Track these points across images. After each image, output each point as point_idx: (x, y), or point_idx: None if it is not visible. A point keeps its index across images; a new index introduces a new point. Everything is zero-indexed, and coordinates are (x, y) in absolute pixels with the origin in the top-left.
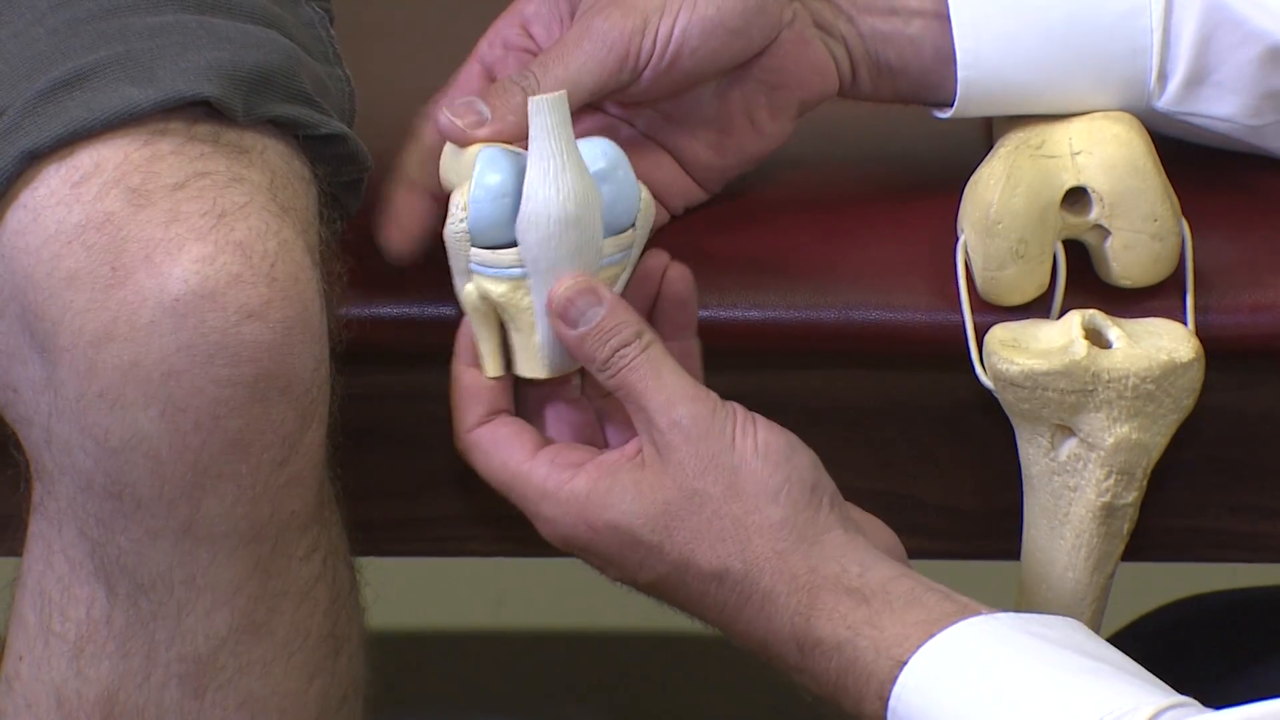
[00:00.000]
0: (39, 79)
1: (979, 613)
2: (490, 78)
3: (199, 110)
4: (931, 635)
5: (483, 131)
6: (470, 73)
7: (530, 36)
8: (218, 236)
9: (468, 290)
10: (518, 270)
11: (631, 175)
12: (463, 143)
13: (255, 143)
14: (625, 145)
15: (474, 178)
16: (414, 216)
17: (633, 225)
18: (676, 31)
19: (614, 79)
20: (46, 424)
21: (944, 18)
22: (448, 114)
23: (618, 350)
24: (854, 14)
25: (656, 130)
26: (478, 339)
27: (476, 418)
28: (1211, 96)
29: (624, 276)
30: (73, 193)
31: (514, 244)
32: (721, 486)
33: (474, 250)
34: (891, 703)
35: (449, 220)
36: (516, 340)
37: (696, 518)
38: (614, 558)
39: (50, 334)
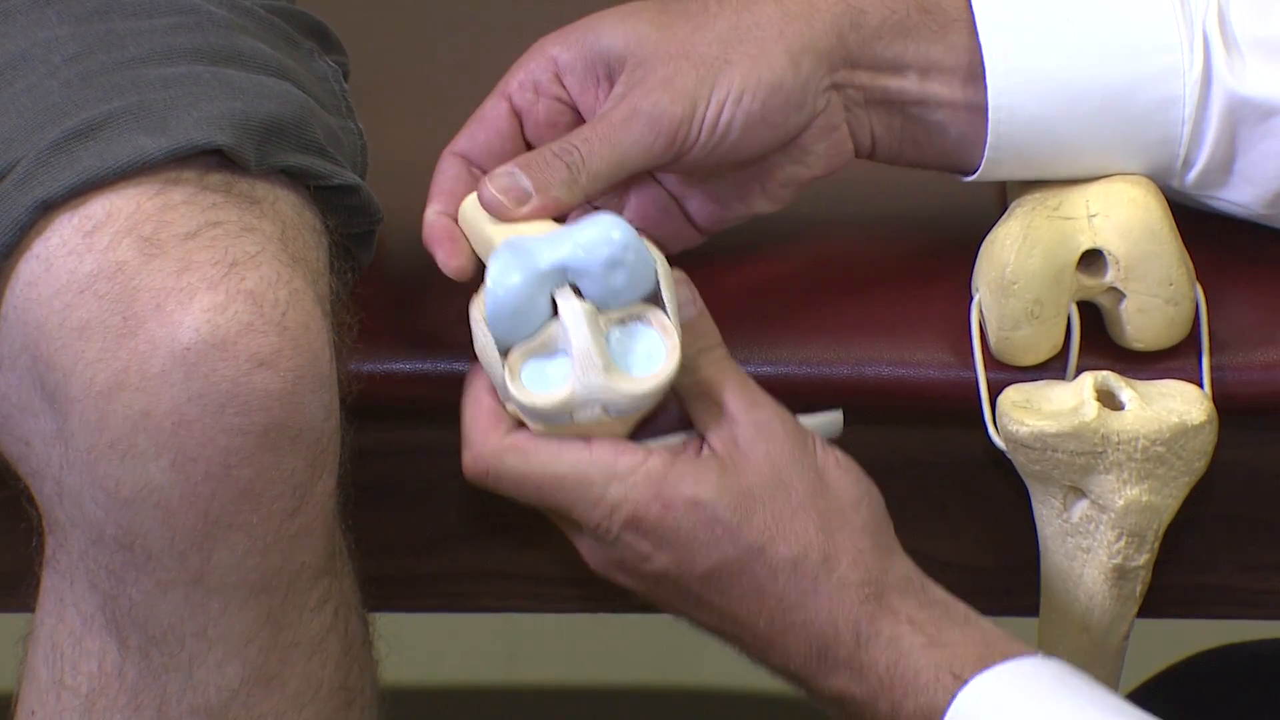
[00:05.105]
0: (52, 130)
1: (1035, 653)
2: (518, 118)
3: (212, 160)
4: (988, 654)
5: (526, 209)
6: (498, 110)
7: (563, 86)
8: (229, 285)
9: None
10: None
11: (644, 251)
12: (505, 219)
13: (267, 193)
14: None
15: (487, 287)
16: (455, 232)
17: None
18: (721, 124)
19: (656, 161)
20: (58, 476)
21: (972, 108)
22: (491, 189)
23: (704, 350)
24: (885, 98)
25: (666, 179)
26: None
27: (508, 426)
28: (1231, 184)
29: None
30: (85, 242)
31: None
32: (807, 483)
33: (512, 389)
34: (950, 715)
35: (475, 333)
36: None
37: (782, 506)
38: (680, 538)
39: (61, 384)
